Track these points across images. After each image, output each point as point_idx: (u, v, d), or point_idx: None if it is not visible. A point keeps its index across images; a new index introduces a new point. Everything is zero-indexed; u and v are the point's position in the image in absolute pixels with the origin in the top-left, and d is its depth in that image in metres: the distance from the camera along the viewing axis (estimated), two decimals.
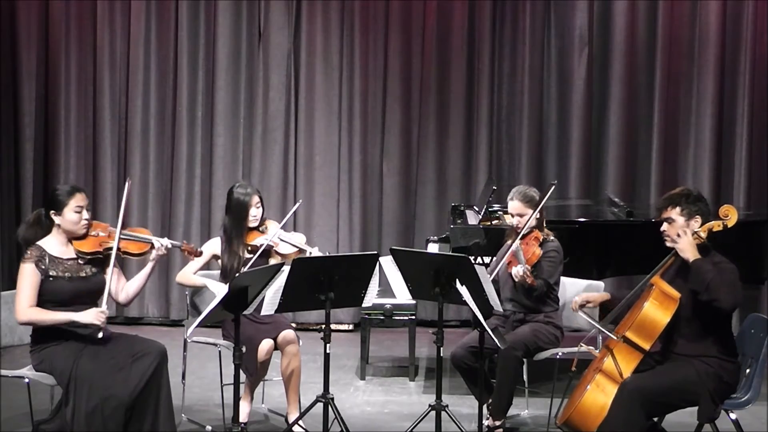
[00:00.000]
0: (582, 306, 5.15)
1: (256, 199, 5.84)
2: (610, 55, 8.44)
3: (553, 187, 5.87)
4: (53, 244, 5.05)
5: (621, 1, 8.38)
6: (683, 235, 4.81)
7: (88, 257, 5.09)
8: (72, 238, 5.09)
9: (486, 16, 8.43)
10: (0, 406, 5.74)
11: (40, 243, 5.04)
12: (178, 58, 8.47)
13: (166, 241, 5.22)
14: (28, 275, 4.96)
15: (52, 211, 5.05)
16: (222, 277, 5.83)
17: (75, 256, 5.08)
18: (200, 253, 5.55)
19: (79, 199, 5.06)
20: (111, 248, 5.05)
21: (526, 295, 5.72)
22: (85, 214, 5.08)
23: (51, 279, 4.98)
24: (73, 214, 5.05)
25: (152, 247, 5.19)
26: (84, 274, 5.07)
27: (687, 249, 4.79)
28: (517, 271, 5.58)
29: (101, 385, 4.84)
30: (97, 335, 4.94)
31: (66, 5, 8.45)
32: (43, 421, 5.07)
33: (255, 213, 5.84)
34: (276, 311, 5.15)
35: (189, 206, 8.52)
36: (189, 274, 5.87)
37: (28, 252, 5.00)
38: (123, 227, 5.11)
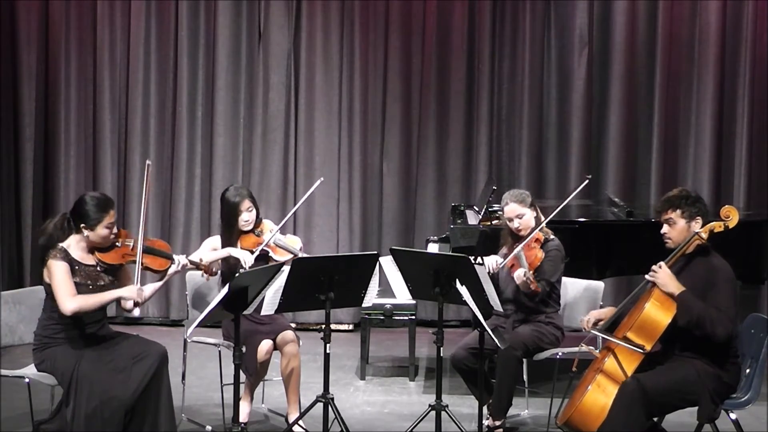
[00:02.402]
0: (594, 324, 5.10)
1: (247, 203, 5.75)
2: (610, 55, 8.44)
3: (587, 181, 5.95)
4: (75, 250, 5.02)
5: (621, 1, 8.37)
6: (659, 269, 4.79)
7: (107, 266, 5.09)
8: (94, 247, 5.07)
9: (486, 16, 8.43)
10: (0, 406, 5.74)
11: (64, 246, 5.00)
12: (178, 58, 8.47)
13: (185, 259, 5.20)
14: (62, 269, 4.92)
15: (82, 225, 5.00)
16: (224, 274, 5.81)
17: (95, 263, 5.06)
18: (215, 273, 5.50)
19: (111, 216, 5.02)
20: (133, 261, 5.06)
21: (529, 299, 5.70)
22: (114, 229, 5.07)
23: (74, 284, 4.96)
24: (104, 230, 5.01)
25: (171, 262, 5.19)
26: (102, 283, 5.05)
27: (668, 283, 4.77)
28: (519, 274, 5.53)
29: (102, 387, 4.84)
30: (132, 312, 5.04)
31: (66, 5, 8.45)
32: (43, 421, 5.07)
33: (246, 218, 5.76)
34: (276, 311, 5.15)
35: (189, 206, 8.52)
36: (203, 253, 5.77)
37: (56, 252, 4.95)
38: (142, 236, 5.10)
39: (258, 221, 5.84)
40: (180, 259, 5.18)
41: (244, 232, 5.80)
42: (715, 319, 4.68)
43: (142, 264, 5.06)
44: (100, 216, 4.99)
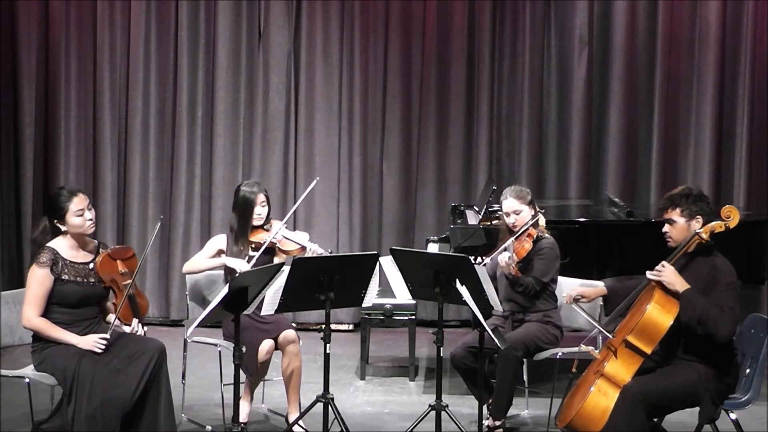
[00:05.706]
0: (576, 300, 5.15)
1: (261, 197, 5.85)
2: (610, 55, 8.43)
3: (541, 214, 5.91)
4: (64, 247, 5.05)
5: (621, 1, 8.37)
6: (663, 268, 4.78)
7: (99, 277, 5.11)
8: (86, 251, 5.10)
9: (486, 16, 8.43)
10: (0, 406, 5.74)
11: (52, 245, 5.03)
12: (178, 58, 8.47)
13: (141, 330, 5.15)
14: (41, 280, 4.96)
15: (55, 220, 5.05)
16: (226, 274, 5.83)
17: (85, 261, 5.09)
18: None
19: (77, 203, 5.04)
20: (122, 291, 5.07)
21: (514, 289, 5.70)
22: (88, 215, 5.07)
23: (62, 282, 4.99)
24: (75, 218, 5.04)
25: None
26: (93, 280, 5.08)
27: (674, 281, 4.75)
28: (503, 257, 5.58)
29: (102, 387, 4.85)
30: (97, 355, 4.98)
31: (66, 5, 8.44)
32: (43, 421, 5.08)
33: (260, 212, 5.85)
34: (276, 311, 5.16)
35: (189, 206, 8.52)
36: (201, 258, 5.86)
37: (43, 255, 4.98)
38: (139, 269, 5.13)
39: (268, 218, 5.91)
40: (137, 328, 5.14)
41: (254, 227, 5.85)
42: (719, 319, 4.66)
43: (130, 295, 5.08)
44: (66, 203, 5.02)
